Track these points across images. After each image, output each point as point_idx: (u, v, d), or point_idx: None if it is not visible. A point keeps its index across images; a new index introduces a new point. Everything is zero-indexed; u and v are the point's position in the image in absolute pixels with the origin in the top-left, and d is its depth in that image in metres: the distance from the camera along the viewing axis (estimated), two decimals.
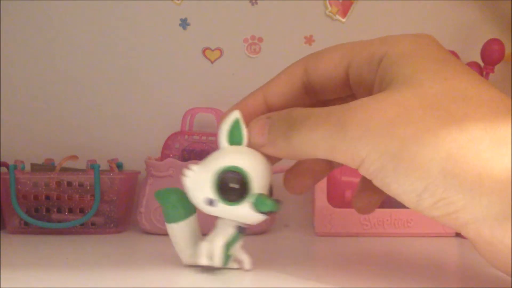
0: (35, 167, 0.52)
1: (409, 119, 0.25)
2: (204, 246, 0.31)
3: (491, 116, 0.25)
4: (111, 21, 0.58)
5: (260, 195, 0.29)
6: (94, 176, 0.48)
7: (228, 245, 0.31)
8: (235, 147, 0.31)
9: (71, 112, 0.58)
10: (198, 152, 0.52)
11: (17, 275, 0.32)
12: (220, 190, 0.30)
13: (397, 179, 0.25)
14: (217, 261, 0.31)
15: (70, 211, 0.49)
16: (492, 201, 0.24)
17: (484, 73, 0.51)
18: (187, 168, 0.31)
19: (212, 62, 0.58)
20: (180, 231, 0.33)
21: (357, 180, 0.49)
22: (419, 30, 0.31)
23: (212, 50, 0.58)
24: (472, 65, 0.52)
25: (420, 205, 0.25)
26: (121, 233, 0.50)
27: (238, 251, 0.32)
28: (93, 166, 0.49)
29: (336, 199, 0.49)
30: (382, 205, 0.49)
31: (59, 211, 0.49)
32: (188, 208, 0.32)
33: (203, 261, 0.31)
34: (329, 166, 0.34)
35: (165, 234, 0.48)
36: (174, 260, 0.32)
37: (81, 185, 0.49)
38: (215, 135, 0.51)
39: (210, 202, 0.30)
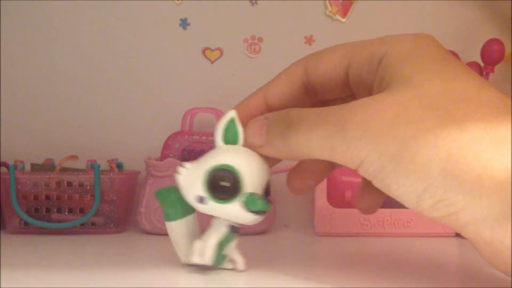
0: (35, 167, 0.52)
1: (408, 119, 0.25)
2: (197, 244, 0.31)
3: (490, 117, 0.25)
4: (111, 21, 0.58)
5: (251, 194, 0.29)
6: (94, 176, 0.48)
7: (222, 245, 0.31)
8: (230, 146, 0.31)
9: (71, 112, 0.58)
10: (198, 152, 0.52)
11: (17, 275, 0.32)
12: (210, 188, 0.30)
13: (397, 180, 0.25)
14: (208, 260, 0.31)
15: (70, 211, 0.49)
16: (492, 202, 0.24)
17: (484, 73, 0.51)
18: (181, 166, 0.31)
19: (212, 62, 0.58)
20: (178, 229, 0.33)
21: (357, 180, 0.50)
22: (419, 30, 0.31)
23: (212, 50, 0.58)
24: (472, 65, 0.52)
25: (420, 206, 0.25)
26: (121, 233, 0.50)
27: (232, 251, 0.32)
28: (93, 166, 0.49)
29: (336, 199, 0.49)
30: (382, 205, 0.49)
31: (59, 211, 0.49)
32: (186, 207, 0.32)
33: (195, 259, 0.31)
34: (331, 165, 0.34)
35: (165, 234, 0.47)
36: (174, 260, 0.32)
37: (81, 185, 0.49)
38: None
39: (201, 200, 0.30)
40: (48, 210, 0.49)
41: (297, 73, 0.32)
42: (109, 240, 0.46)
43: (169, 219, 0.33)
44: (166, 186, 0.33)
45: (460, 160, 0.24)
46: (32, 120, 0.58)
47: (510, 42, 0.55)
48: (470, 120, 0.24)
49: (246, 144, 0.31)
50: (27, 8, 0.58)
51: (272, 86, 0.33)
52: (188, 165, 0.31)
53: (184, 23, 0.58)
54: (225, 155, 0.30)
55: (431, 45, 0.29)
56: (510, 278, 0.26)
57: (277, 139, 0.29)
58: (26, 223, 0.49)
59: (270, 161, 0.33)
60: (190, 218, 0.32)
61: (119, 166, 0.54)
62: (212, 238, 0.31)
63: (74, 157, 0.51)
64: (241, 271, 0.32)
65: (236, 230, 0.31)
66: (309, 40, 0.58)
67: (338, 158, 0.27)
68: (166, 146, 0.52)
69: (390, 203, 0.38)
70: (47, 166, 0.52)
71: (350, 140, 0.26)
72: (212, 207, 0.30)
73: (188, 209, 0.32)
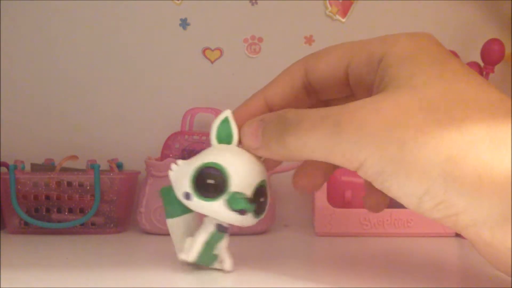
0: (35, 167, 0.52)
1: (407, 121, 0.25)
2: (187, 241, 0.31)
3: (490, 118, 0.25)
4: (111, 21, 0.58)
5: (235, 193, 0.29)
6: (94, 176, 0.48)
7: (212, 244, 0.31)
8: (223, 146, 0.31)
9: (71, 112, 0.58)
10: (198, 152, 0.51)
11: (17, 275, 0.32)
12: (196, 185, 0.30)
13: (397, 182, 0.25)
14: (192, 256, 0.31)
15: (70, 211, 0.49)
16: (492, 203, 0.24)
17: (484, 73, 0.51)
18: (175, 163, 0.32)
19: (212, 62, 0.58)
20: (176, 227, 0.33)
21: (357, 180, 0.50)
22: (419, 30, 0.31)
23: (212, 50, 0.58)
24: (472, 65, 0.52)
25: (421, 207, 0.25)
26: (121, 233, 0.50)
27: (222, 251, 0.32)
28: (93, 166, 0.49)
29: (336, 199, 0.49)
30: None
31: (59, 211, 0.49)
32: (185, 205, 0.32)
33: (182, 256, 0.31)
34: (335, 164, 0.34)
35: (165, 234, 0.48)
36: (174, 260, 0.32)
37: (81, 185, 0.49)
38: None
39: (187, 196, 0.30)
40: (48, 210, 0.49)
41: (297, 74, 0.32)
42: (109, 240, 0.46)
43: (168, 216, 0.33)
44: (162, 186, 0.33)
45: (460, 162, 0.24)
46: (32, 120, 0.58)
47: (510, 42, 0.55)
48: (469, 122, 0.24)
49: (243, 146, 0.31)
50: (27, 8, 0.58)
51: (272, 87, 0.33)
52: (180, 162, 0.32)
53: (184, 23, 0.58)
54: (215, 154, 0.31)
55: (431, 45, 0.28)
56: (510, 278, 0.26)
57: (273, 141, 0.29)
58: (26, 223, 0.49)
59: (270, 162, 0.33)
60: (188, 216, 0.33)
61: (119, 166, 0.54)
62: (201, 236, 0.31)
63: (74, 157, 0.51)
64: (228, 271, 0.32)
65: (223, 229, 0.31)
66: (309, 40, 0.58)
67: (336, 160, 0.27)
68: (166, 146, 0.52)
69: (390, 203, 0.38)
70: (47, 166, 0.52)
71: (348, 143, 0.26)
72: (197, 204, 0.30)
73: (186, 208, 0.32)
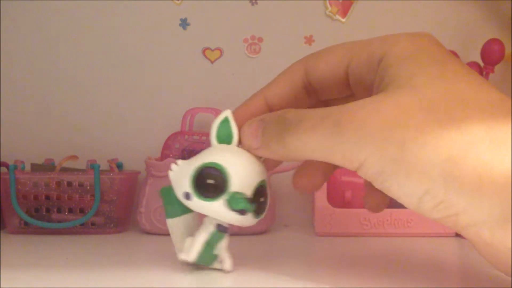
0: (35, 167, 0.52)
1: (408, 122, 0.25)
2: (187, 241, 0.32)
3: (490, 118, 0.24)
4: (111, 21, 0.58)
5: (235, 193, 0.29)
6: (94, 176, 0.48)
7: (212, 244, 0.31)
8: (223, 146, 0.31)
9: (71, 112, 0.58)
10: (198, 152, 0.51)
11: (17, 275, 0.32)
12: (196, 185, 0.30)
13: (397, 182, 0.25)
14: (192, 256, 0.31)
15: (70, 211, 0.49)
16: (492, 203, 0.24)
17: (484, 73, 0.51)
18: (174, 163, 0.32)
19: (212, 62, 0.58)
20: (175, 227, 0.33)
21: (357, 180, 0.50)
22: (419, 30, 0.31)
23: (212, 50, 0.58)
24: (472, 65, 0.52)
25: (421, 207, 0.25)
26: (121, 233, 0.50)
27: (222, 251, 0.32)
28: (93, 166, 0.49)
29: (336, 199, 0.49)
30: None
31: (59, 211, 0.49)
32: (185, 205, 0.32)
33: (182, 256, 0.31)
34: (335, 165, 0.34)
35: (165, 234, 0.48)
36: (174, 260, 0.32)
37: (81, 185, 0.49)
38: None
39: (187, 196, 0.30)
40: (48, 210, 0.49)
41: (297, 74, 0.32)
42: (109, 240, 0.46)
43: (168, 216, 0.33)
44: (163, 186, 0.33)
45: (460, 162, 0.24)
46: (32, 120, 0.58)
47: (510, 42, 0.55)
48: (469, 122, 0.24)
49: (243, 146, 0.31)
50: (27, 8, 0.58)
51: (272, 87, 0.33)
52: (180, 162, 0.32)
53: (184, 23, 0.58)
54: (215, 154, 0.31)
55: (431, 45, 0.28)
56: (510, 278, 0.26)
57: (273, 141, 0.29)
58: (26, 223, 0.49)
59: (271, 162, 0.33)
60: (188, 216, 0.33)
61: (119, 166, 0.54)
62: (201, 235, 0.31)
63: (74, 157, 0.51)
64: (228, 272, 0.32)
65: (223, 229, 0.31)
66: (309, 40, 0.58)
67: (336, 160, 0.27)
68: (166, 146, 0.52)
69: (390, 203, 0.38)
70: (47, 166, 0.52)
71: (348, 143, 0.26)
72: (197, 204, 0.30)
73: (186, 208, 0.32)
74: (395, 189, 0.26)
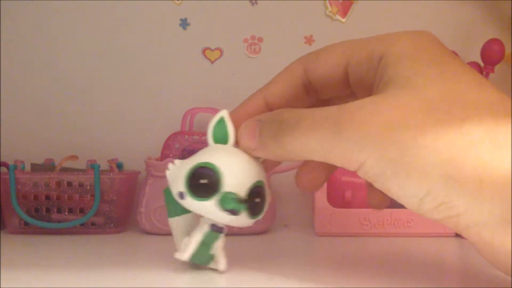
0: (35, 167, 0.52)
1: (408, 123, 0.25)
2: (184, 241, 0.32)
3: (490, 119, 0.24)
4: (111, 21, 0.58)
5: (227, 193, 0.29)
6: (94, 176, 0.48)
7: (207, 244, 0.31)
8: (219, 146, 0.31)
9: (71, 112, 0.58)
10: None
11: (17, 275, 0.32)
12: (189, 184, 0.30)
13: (397, 183, 0.25)
14: (186, 255, 0.31)
15: (70, 211, 0.49)
16: (493, 205, 0.24)
17: (484, 73, 0.51)
18: (172, 162, 0.32)
19: (212, 62, 0.58)
20: (176, 226, 0.33)
21: (357, 180, 0.50)
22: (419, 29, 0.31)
23: (212, 50, 0.58)
24: (472, 65, 0.52)
25: (421, 208, 0.25)
26: (121, 233, 0.50)
27: (217, 251, 0.32)
28: (93, 166, 0.49)
29: (336, 199, 0.49)
30: None
31: (59, 211, 0.49)
32: None
33: (177, 255, 0.32)
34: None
35: (165, 234, 0.48)
36: (174, 260, 0.32)
37: (81, 185, 0.49)
38: None
39: (181, 195, 0.30)
40: (48, 210, 0.49)
41: (296, 73, 0.32)
42: (109, 240, 0.46)
43: (169, 216, 0.33)
44: (166, 186, 0.33)
45: (460, 163, 0.24)
46: (32, 120, 0.58)
47: (510, 42, 0.55)
48: (470, 123, 0.24)
49: (240, 146, 0.31)
50: (27, 8, 0.58)
51: (272, 86, 0.33)
52: (177, 162, 0.32)
53: (184, 23, 0.58)
54: (210, 154, 0.31)
55: (431, 44, 0.28)
56: (510, 278, 0.26)
57: (270, 142, 0.29)
58: (26, 223, 0.49)
59: (270, 162, 0.33)
60: (188, 216, 0.33)
61: (119, 166, 0.54)
62: (195, 236, 0.31)
63: (74, 157, 0.51)
64: (221, 272, 0.32)
65: (217, 229, 0.31)
66: (309, 40, 0.58)
67: (335, 161, 0.27)
68: (166, 146, 0.52)
69: (390, 203, 0.38)
70: (47, 166, 0.52)
71: (348, 144, 0.26)
72: (190, 203, 0.30)
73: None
74: (395, 190, 0.26)
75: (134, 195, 0.53)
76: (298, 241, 0.48)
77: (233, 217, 0.30)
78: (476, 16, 0.57)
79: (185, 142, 0.52)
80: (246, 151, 0.31)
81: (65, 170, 0.50)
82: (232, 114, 0.32)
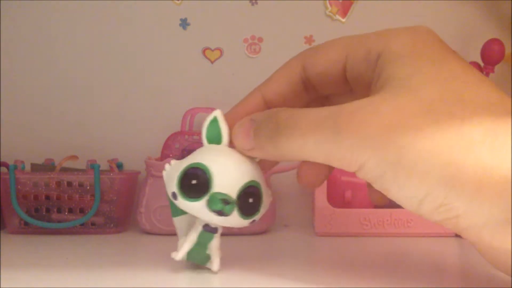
0: (35, 167, 0.52)
1: (406, 125, 0.25)
2: (181, 241, 0.32)
3: (490, 119, 0.24)
4: (111, 21, 0.58)
5: (216, 193, 0.29)
6: (94, 176, 0.48)
7: (203, 244, 0.31)
8: (213, 146, 0.31)
9: (71, 112, 0.58)
10: None
11: (17, 275, 0.32)
12: (181, 185, 0.30)
13: (397, 186, 0.25)
14: (179, 255, 0.31)
15: (70, 211, 0.49)
16: (492, 207, 0.24)
17: (484, 73, 0.51)
18: (168, 163, 0.32)
19: (212, 62, 0.58)
20: (178, 225, 0.33)
21: (357, 180, 0.49)
22: None
23: (212, 50, 0.58)
24: (472, 65, 0.52)
25: (421, 210, 0.25)
26: (121, 233, 0.50)
27: (212, 251, 0.32)
28: (93, 166, 0.49)
29: (336, 199, 0.49)
30: (382, 205, 0.49)
31: (59, 211, 0.49)
32: None
33: (172, 254, 0.32)
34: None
35: (165, 234, 0.48)
36: (174, 260, 0.32)
37: (81, 185, 0.49)
38: None
39: (174, 196, 0.30)
40: (48, 210, 0.49)
41: (294, 70, 0.32)
42: (109, 240, 0.46)
43: (172, 215, 0.33)
44: None
45: (460, 165, 0.24)
46: (32, 120, 0.58)
47: (510, 42, 0.55)
48: (469, 123, 0.24)
49: (235, 146, 0.31)
50: (27, 8, 0.58)
51: (270, 83, 0.32)
52: (173, 162, 0.32)
53: (184, 23, 0.58)
54: (202, 154, 0.31)
55: (429, 41, 0.28)
56: (510, 278, 0.26)
57: (266, 143, 0.29)
58: (26, 223, 0.49)
59: (267, 163, 0.33)
60: (189, 215, 0.33)
61: (119, 166, 0.54)
62: (190, 236, 0.31)
63: (74, 157, 0.51)
64: (214, 272, 0.32)
65: (210, 229, 0.31)
66: (309, 40, 0.58)
67: (334, 163, 0.27)
68: (166, 146, 0.52)
69: (390, 203, 0.38)
70: (47, 166, 0.52)
71: (347, 147, 0.25)
72: (182, 203, 0.30)
73: None
74: (394, 192, 0.26)
75: (134, 195, 0.53)
76: (298, 241, 0.48)
77: (222, 217, 0.30)
78: (476, 16, 0.57)
79: (185, 142, 0.52)
80: (241, 151, 0.31)
81: (65, 170, 0.50)
82: (230, 113, 0.32)
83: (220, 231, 0.32)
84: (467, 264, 0.38)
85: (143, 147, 0.56)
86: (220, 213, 0.29)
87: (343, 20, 0.58)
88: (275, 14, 0.58)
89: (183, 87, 0.58)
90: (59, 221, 0.49)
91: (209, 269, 0.32)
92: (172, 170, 0.31)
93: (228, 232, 0.32)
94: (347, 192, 0.49)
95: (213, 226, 0.31)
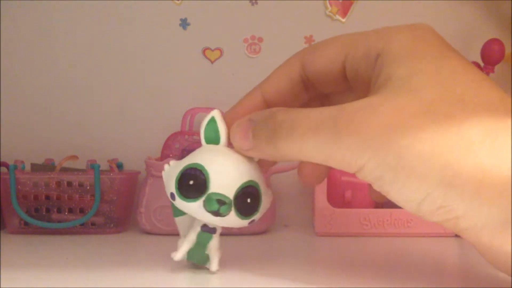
0: (35, 167, 0.52)
1: (405, 128, 0.24)
2: (180, 241, 0.32)
3: (489, 119, 0.24)
4: (111, 21, 0.58)
5: (212, 194, 0.29)
6: (94, 176, 0.48)
7: (202, 244, 0.31)
8: (211, 146, 0.31)
9: (71, 112, 0.58)
10: None
11: (17, 275, 0.32)
12: (178, 186, 0.30)
13: (396, 187, 0.25)
14: (178, 256, 0.31)
15: (70, 211, 0.49)
16: (491, 209, 0.24)
17: (484, 73, 0.51)
18: (167, 163, 0.32)
19: (212, 62, 0.58)
20: (179, 225, 0.33)
21: (357, 180, 0.49)
22: None
23: (212, 50, 0.58)
24: None
25: (420, 211, 0.25)
26: (121, 233, 0.50)
27: (211, 251, 0.32)
28: (93, 166, 0.49)
29: (336, 199, 0.49)
30: (382, 205, 0.49)
31: (59, 211, 0.49)
32: None
33: (172, 254, 0.32)
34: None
35: (165, 234, 0.48)
36: (173, 260, 0.32)
37: (81, 185, 0.49)
38: None
39: (172, 196, 0.31)
40: (48, 210, 0.49)
41: (294, 68, 0.31)
42: (109, 240, 0.46)
43: (173, 215, 0.33)
44: None
45: (459, 167, 0.24)
46: (32, 120, 0.58)
47: (510, 42, 0.55)
48: (469, 124, 0.24)
49: (233, 146, 0.31)
50: (27, 8, 0.58)
51: (269, 82, 0.32)
52: (172, 163, 0.32)
53: (184, 23, 0.58)
54: (200, 155, 0.31)
55: (429, 38, 0.28)
56: (510, 278, 0.26)
57: (264, 144, 0.28)
58: (26, 223, 0.49)
59: (265, 162, 0.33)
60: (190, 216, 0.33)
61: (119, 166, 0.54)
62: (189, 236, 0.31)
63: (74, 157, 0.51)
64: (213, 272, 0.32)
65: (208, 230, 0.31)
66: (309, 40, 0.58)
67: (334, 164, 0.26)
68: (166, 146, 0.52)
69: (390, 203, 0.38)
70: (47, 166, 0.52)
71: (347, 148, 0.25)
72: (180, 204, 0.30)
73: None
74: (394, 194, 0.26)
75: (134, 195, 0.53)
76: (298, 241, 0.48)
77: (219, 218, 0.30)
78: (476, 16, 0.57)
79: (185, 142, 0.52)
80: (240, 151, 0.31)
81: (65, 170, 0.50)
82: (230, 112, 0.32)
83: (219, 231, 0.32)
84: (467, 264, 0.38)
85: (143, 147, 0.56)
86: (216, 213, 0.29)
87: (343, 20, 0.58)
88: (275, 14, 0.58)
89: (183, 87, 0.58)
90: (59, 221, 0.49)
91: (208, 269, 0.32)
92: (171, 171, 0.31)
93: (227, 232, 0.32)
94: (347, 192, 0.49)
95: (211, 226, 0.31)
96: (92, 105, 0.58)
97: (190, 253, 0.32)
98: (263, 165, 0.32)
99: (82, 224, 0.49)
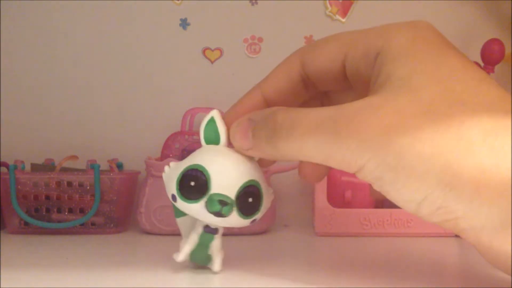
0: (35, 167, 0.52)
1: (405, 128, 0.24)
2: (182, 242, 0.32)
3: (489, 120, 0.24)
4: (111, 21, 0.58)
5: (214, 194, 0.29)
6: (94, 176, 0.48)
7: (205, 245, 0.31)
8: (211, 147, 0.31)
9: (71, 112, 0.58)
10: None
11: (17, 275, 0.32)
12: (179, 187, 0.30)
13: (396, 188, 0.25)
14: (180, 257, 0.31)
15: (70, 211, 0.49)
16: (491, 210, 0.23)
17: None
18: (167, 165, 0.32)
19: (212, 62, 0.58)
20: (181, 226, 0.33)
21: (357, 180, 0.49)
22: None
23: (212, 50, 0.58)
24: None
25: (420, 212, 0.25)
26: (121, 233, 0.50)
27: (213, 251, 0.32)
28: (93, 166, 0.49)
29: (336, 199, 0.49)
30: (382, 205, 0.49)
31: (59, 211, 0.49)
32: None
33: (173, 255, 0.32)
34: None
35: (165, 234, 0.48)
36: (174, 260, 0.32)
37: (81, 185, 0.49)
38: None
39: (173, 198, 0.31)
40: (48, 210, 0.49)
41: (293, 66, 0.31)
42: (109, 240, 0.46)
43: (175, 216, 0.33)
44: None
45: (458, 168, 0.24)
46: (32, 120, 0.58)
47: (510, 42, 0.55)
48: (468, 125, 0.24)
49: (232, 146, 0.31)
50: (27, 8, 0.58)
51: (269, 80, 0.32)
52: (172, 164, 0.32)
53: (184, 23, 0.58)
54: (201, 156, 0.31)
55: (429, 36, 0.28)
56: (510, 278, 0.26)
57: (264, 144, 0.28)
58: (26, 223, 0.49)
59: (265, 160, 0.33)
60: (190, 216, 0.33)
61: (119, 166, 0.54)
62: (191, 237, 0.31)
63: (74, 157, 0.51)
64: (216, 272, 0.32)
65: (210, 230, 0.31)
66: (309, 40, 0.58)
67: (334, 165, 0.26)
68: (166, 146, 0.52)
69: (390, 203, 0.38)
70: (47, 166, 0.52)
71: (347, 149, 0.25)
72: (181, 205, 0.30)
73: None
74: (393, 194, 0.26)
75: (134, 195, 0.53)
76: (298, 241, 0.48)
77: (221, 218, 0.30)
78: (476, 16, 0.57)
79: (185, 142, 0.52)
80: (239, 151, 0.30)
81: (65, 170, 0.50)
82: (229, 112, 0.32)
83: (221, 231, 0.32)
84: (467, 264, 0.38)
85: (143, 147, 0.56)
86: (218, 214, 0.29)
87: (343, 20, 0.58)
88: (275, 14, 0.58)
89: (183, 87, 0.58)
90: (59, 221, 0.49)
91: (210, 269, 0.32)
92: (171, 172, 0.31)
93: (228, 232, 0.32)
94: (347, 192, 0.49)
95: (213, 227, 0.31)
96: (92, 105, 0.58)
97: (192, 254, 0.32)
98: (262, 163, 0.32)
99: (82, 224, 0.49)
